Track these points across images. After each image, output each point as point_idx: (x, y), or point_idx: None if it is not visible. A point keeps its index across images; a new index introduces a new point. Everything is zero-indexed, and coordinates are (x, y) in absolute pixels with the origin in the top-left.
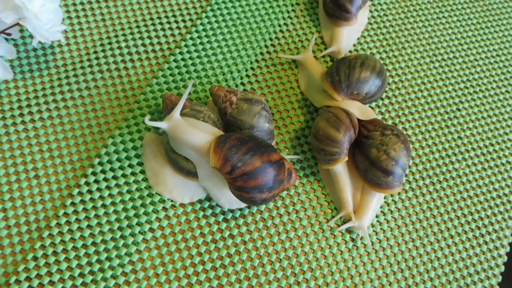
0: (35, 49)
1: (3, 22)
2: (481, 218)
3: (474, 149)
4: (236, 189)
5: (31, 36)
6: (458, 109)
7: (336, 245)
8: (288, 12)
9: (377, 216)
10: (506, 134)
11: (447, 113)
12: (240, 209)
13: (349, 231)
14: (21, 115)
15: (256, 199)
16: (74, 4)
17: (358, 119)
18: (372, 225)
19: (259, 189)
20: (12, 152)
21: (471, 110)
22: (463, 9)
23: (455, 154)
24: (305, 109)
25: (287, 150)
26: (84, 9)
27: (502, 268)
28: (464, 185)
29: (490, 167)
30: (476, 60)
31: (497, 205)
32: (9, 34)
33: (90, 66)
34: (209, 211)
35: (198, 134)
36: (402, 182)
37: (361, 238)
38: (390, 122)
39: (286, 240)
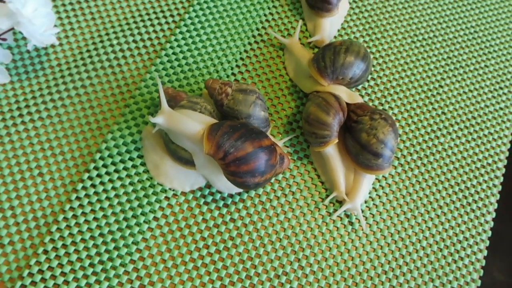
0: (28, 51)
1: None
2: (467, 188)
3: (457, 123)
4: (229, 174)
5: (23, 39)
6: (441, 86)
7: (332, 222)
8: (272, 1)
9: (369, 192)
10: (487, 106)
11: (430, 90)
12: (239, 194)
13: None
14: (21, 116)
15: (249, 183)
16: (64, 5)
17: (347, 104)
18: (365, 201)
19: (251, 173)
20: (14, 152)
21: (453, 86)
22: None
23: (439, 129)
24: (295, 95)
25: (280, 135)
26: (73, 9)
27: (489, 234)
28: (449, 158)
29: (474, 139)
30: (455, 37)
31: (481, 175)
32: (4, 39)
33: (84, 65)
34: (209, 198)
35: (192, 123)
36: (391, 163)
37: (356, 215)
38: (376, 102)
39: (284, 221)
